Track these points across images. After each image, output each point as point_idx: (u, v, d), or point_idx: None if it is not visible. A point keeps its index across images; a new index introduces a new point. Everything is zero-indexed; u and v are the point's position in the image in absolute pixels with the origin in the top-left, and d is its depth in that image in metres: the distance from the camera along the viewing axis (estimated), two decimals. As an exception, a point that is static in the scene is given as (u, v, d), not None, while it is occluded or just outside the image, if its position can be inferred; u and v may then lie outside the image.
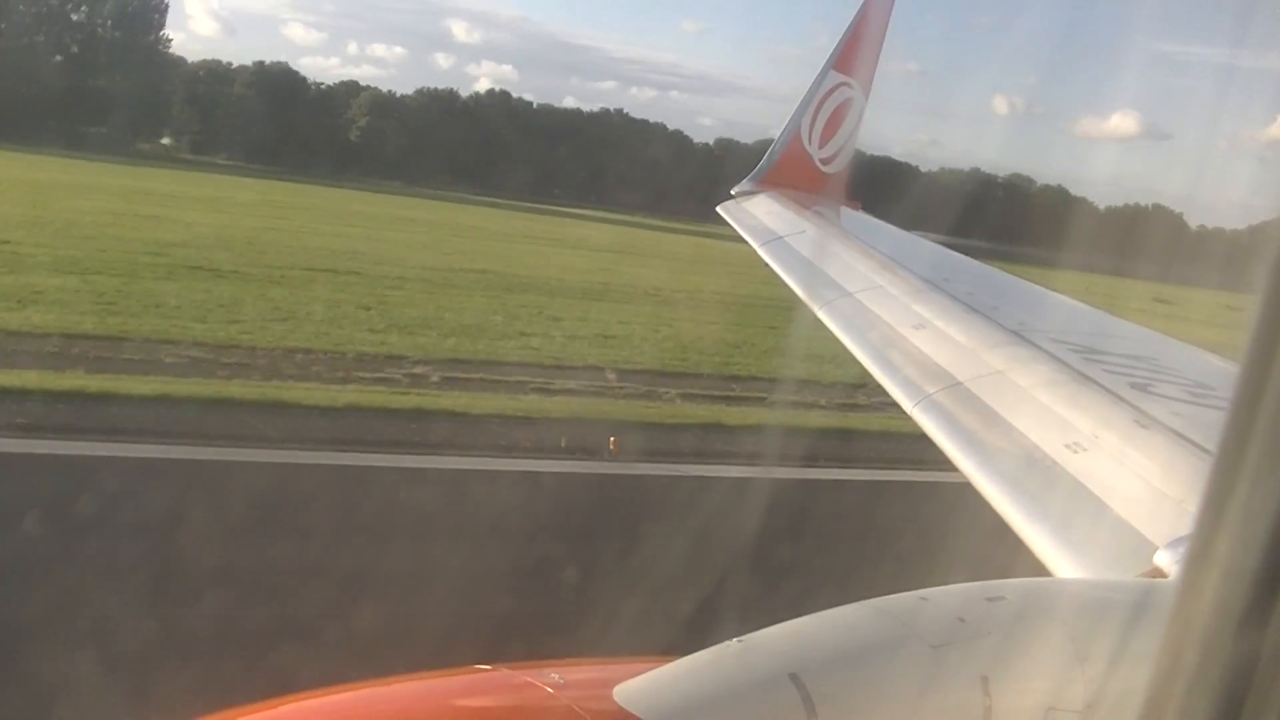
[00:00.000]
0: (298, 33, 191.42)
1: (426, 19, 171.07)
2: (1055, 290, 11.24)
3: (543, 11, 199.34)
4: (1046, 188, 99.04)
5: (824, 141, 15.72)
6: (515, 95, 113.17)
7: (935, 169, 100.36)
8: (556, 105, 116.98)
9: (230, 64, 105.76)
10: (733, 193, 15.56)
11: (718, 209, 15.28)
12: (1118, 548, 4.90)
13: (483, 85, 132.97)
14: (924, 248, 12.92)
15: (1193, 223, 70.98)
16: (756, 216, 14.21)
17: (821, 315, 9.67)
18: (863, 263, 10.98)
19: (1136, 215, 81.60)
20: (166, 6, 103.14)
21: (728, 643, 2.98)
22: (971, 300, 8.80)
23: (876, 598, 3.16)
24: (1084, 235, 32.08)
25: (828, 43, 16.14)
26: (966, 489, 6.19)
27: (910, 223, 16.19)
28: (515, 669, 4.81)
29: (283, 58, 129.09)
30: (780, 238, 12.89)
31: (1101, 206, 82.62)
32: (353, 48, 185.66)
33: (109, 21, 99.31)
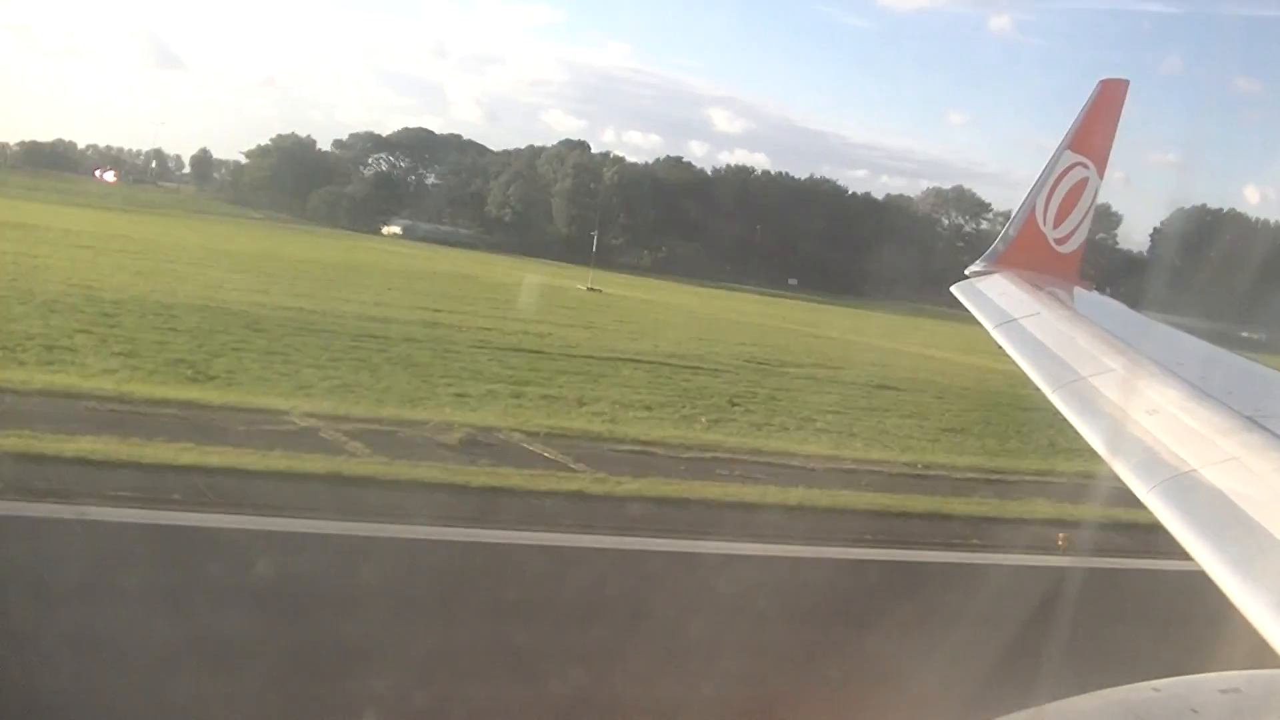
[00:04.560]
0: (556, 118, 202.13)
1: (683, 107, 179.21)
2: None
3: (797, 101, 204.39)
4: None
5: (1059, 221, 15.59)
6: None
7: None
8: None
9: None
10: (966, 273, 15.55)
11: (951, 289, 15.27)
12: None
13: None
14: (1156, 330, 12.63)
15: None
16: (989, 297, 14.16)
17: (1054, 399, 9.68)
18: (1095, 346, 10.90)
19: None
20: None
21: None
22: (1204, 385, 8.67)
23: (1109, 688, 3.06)
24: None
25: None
26: (1199, 577, 6.16)
27: (1148, 305, 15.82)
28: None
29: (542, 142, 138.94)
30: (1014, 319, 12.85)
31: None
32: (609, 134, 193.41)
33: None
